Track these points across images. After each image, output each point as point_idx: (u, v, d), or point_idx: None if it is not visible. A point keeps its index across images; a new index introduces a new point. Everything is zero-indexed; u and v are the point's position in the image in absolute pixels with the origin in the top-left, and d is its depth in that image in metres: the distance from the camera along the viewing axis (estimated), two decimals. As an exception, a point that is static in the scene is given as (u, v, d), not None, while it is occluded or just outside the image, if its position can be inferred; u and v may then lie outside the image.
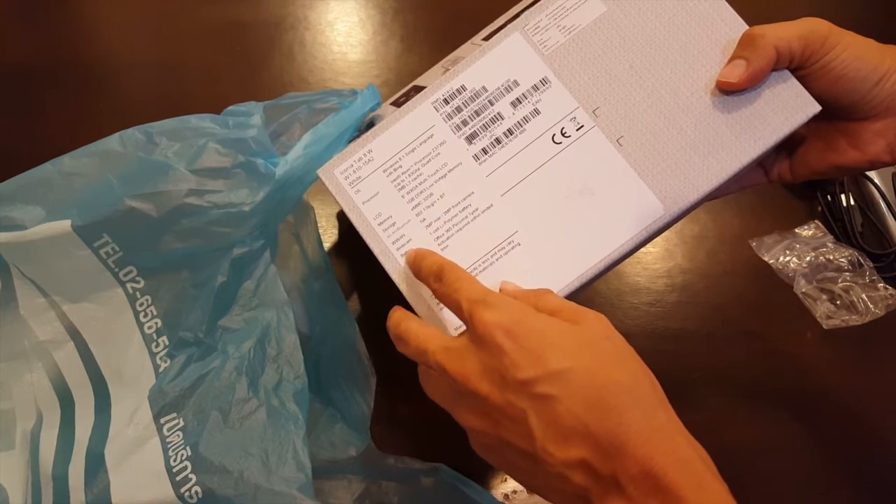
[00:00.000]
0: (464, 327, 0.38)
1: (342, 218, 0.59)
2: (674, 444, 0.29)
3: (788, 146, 0.44)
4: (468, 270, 0.39)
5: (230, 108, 0.45)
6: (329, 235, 0.59)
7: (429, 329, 0.35)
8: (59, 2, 0.68)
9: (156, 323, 0.44)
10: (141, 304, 0.45)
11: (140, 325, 0.44)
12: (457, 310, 0.35)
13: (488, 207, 0.40)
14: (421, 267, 0.38)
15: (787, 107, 0.39)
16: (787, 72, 0.39)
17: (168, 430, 0.41)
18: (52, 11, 0.68)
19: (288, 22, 0.68)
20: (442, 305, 0.38)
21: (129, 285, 0.44)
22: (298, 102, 0.46)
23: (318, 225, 0.56)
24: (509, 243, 0.39)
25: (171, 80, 0.65)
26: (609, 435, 0.29)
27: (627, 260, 0.60)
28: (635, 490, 0.28)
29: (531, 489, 0.33)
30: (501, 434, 0.32)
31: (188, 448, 0.40)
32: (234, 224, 0.42)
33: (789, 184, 0.46)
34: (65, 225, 0.41)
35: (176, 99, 0.63)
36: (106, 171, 0.42)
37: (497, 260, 0.39)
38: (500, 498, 0.48)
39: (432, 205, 0.40)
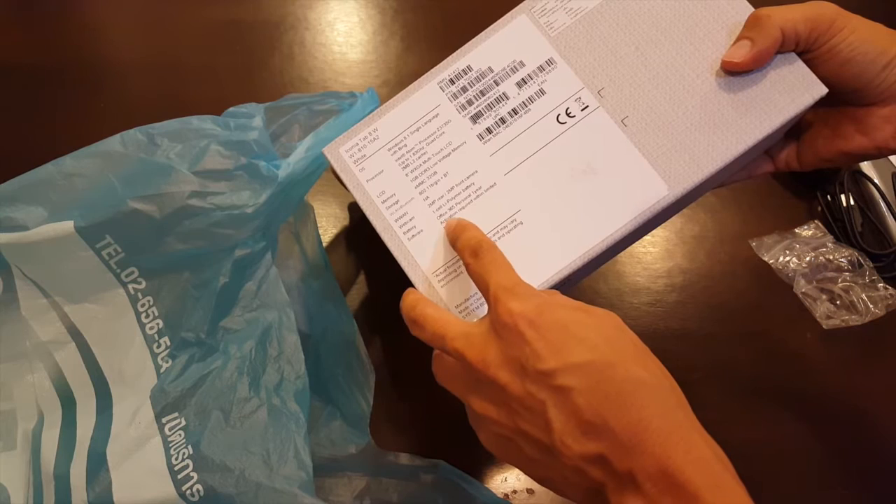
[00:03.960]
0: (466, 308, 0.38)
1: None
2: (692, 442, 0.29)
3: (795, 133, 0.44)
4: None
5: (231, 109, 0.46)
6: (328, 235, 0.59)
7: (446, 314, 0.35)
8: (60, 2, 0.68)
9: (157, 324, 0.45)
10: (142, 305, 0.45)
11: (142, 325, 0.45)
12: (484, 290, 0.35)
13: (491, 186, 0.40)
14: (459, 237, 0.38)
15: (793, 88, 0.39)
16: (793, 54, 0.39)
17: (170, 429, 0.41)
18: (52, 11, 0.68)
19: (288, 22, 0.68)
20: (444, 284, 0.39)
21: (130, 286, 0.44)
22: (298, 104, 0.47)
23: (318, 224, 0.56)
24: (512, 222, 0.39)
25: (172, 80, 0.65)
26: (628, 431, 0.29)
27: (627, 260, 0.60)
28: (652, 487, 0.28)
29: (542, 481, 0.33)
30: (518, 424, 0.32)
31: (190, 447, 0.40)
32: (236, 226, 0.42)
33: (796, 171, 0.45)
34: (67, 226, 0.42)
35: (176, 99, 0.63)
36: (108, 172, 0.42)
37: (499, 239, 0.39)
38: (500, 496, 0.49)
39: (436, 183, 0.40)
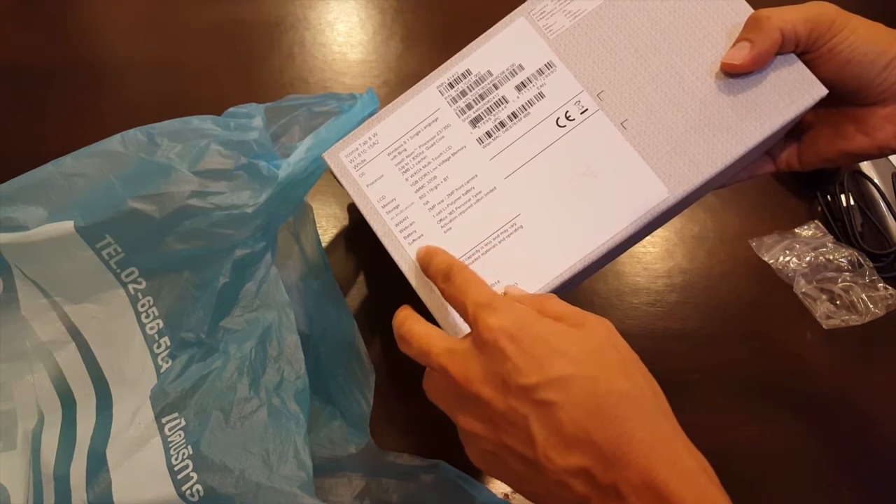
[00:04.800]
0: None
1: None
2: (676, 454, 0.29)
3: (796, 133, 0.44)
4: (470, 253, 0.39)
5: (231, 109, 0.46)
6: (328, 235, 0.59)
7: (432, 330, 0.35)
8: (59, 1, 0.68)
9: (157, 324, 0.45)
10: (143, 305, 0.45)
11: (142, 325, 0.45)
12: (462, 312, 0.35)
13: (491, 190, 0.40)
14: (430, 265, 0.38)
15: (792, 90, 0.39)
16: (793, 55, 0.39)
17: (170, 429, 0.41)
18: (52, 11, 0.68)
19: (288, 22, 0.68)
20: None
21: (130, 286, 0.44)
22: (298, 105, 0.47)
23: (318, 225, 0.56)
24: (512, 226, 0.39)
25: (172, 79, 0.65)
26: (611, 444, 0.29)
27: (627, 260, 0.60)
28: (637, 500, 0.28)
29: (528, 496, 0.33)
30: (502, 439, 0.31)
31: (190, 447, 0.40)
32: (236, 226, 0.42)
33: (797, 172, 0.45)
34: (67, 226, 0.42)
35: (176, 99, 0.63)
36: (108, 172, 0.43)
37: (500, 243, 0.39)
38: (499, 497, 0.49)
39: (436, 188, 0.40)
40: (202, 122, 0.43)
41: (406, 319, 0.36)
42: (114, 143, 0.43)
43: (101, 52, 0.67)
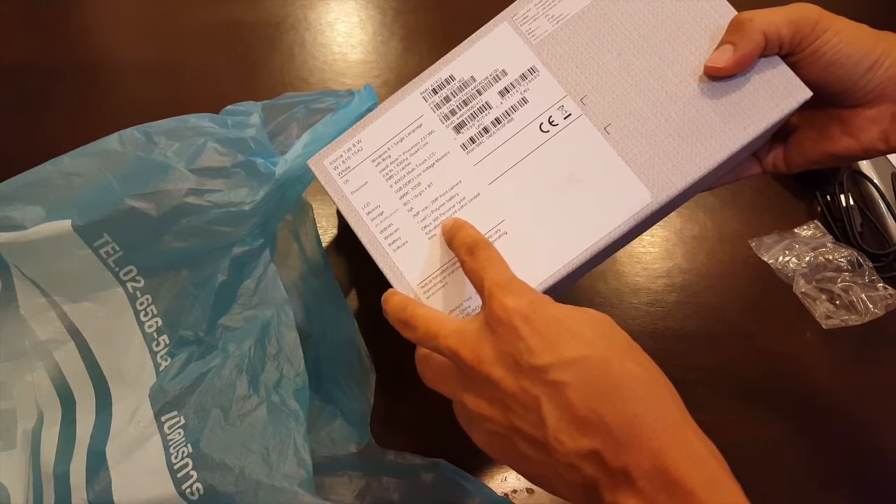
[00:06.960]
0: (457, 315, 0.38)
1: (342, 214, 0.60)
2: (687, 439, 0.29)
3: (782, 135, 0.44)
4: (455, 260, 0.39)
5: (229, 107, 0.46)
6: (328, 234, 0.59)
7: (437, 313, 0.35)
8: (60, 2, 0.69)
9: (156, 322, 0.45)
10: (141, 304, 0.45)
11: (140, 324, 0.45)
12: (479, 287, 0.35)
13: (475, 196, 0.40)
14: (456, 236, 0.38)
15: (777, 92, 0.39)
16: (777, 58, 0.39)
17: (169, 427, 0.41)
18: (52, 11, 0.68)
19: (288, 22, 0.68)
20: (429, 295, 0.39)
21: (129, 284, 0.44)
22: (296, 102, 0.47)
23: (317, 224, 0.56)
24: (496, 232, 0.39)
25: (171, 80, 0.65)
26: (623, 426, 0.29)
27: (627, 260, 0.60)
28: (646, 484, 0.28)
29: (536, 480, 0.33)
30: (512, 421, 0.31)
31: (189, 445, 0.40)
32: (234, 223, 0.42)
33: (784, 174, 0.45)
34: (65, 225, 0.42)
35: (176, 99, 0.63)
36: (105, 171, 0.43)
37: None
38: (500, 495, 0.48)
39: (420, 194, 0.40)
40: (199, 120, 0.43)
41: (406, 304, 0.36)
42: (111, 141, 0.43)
43: (101, 53, 0.67)
